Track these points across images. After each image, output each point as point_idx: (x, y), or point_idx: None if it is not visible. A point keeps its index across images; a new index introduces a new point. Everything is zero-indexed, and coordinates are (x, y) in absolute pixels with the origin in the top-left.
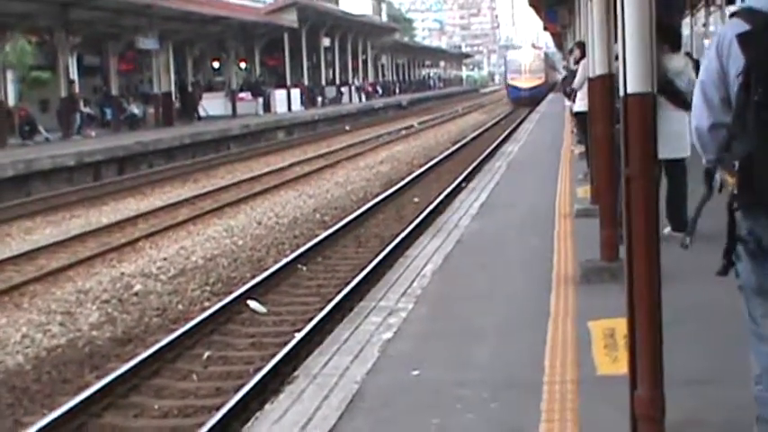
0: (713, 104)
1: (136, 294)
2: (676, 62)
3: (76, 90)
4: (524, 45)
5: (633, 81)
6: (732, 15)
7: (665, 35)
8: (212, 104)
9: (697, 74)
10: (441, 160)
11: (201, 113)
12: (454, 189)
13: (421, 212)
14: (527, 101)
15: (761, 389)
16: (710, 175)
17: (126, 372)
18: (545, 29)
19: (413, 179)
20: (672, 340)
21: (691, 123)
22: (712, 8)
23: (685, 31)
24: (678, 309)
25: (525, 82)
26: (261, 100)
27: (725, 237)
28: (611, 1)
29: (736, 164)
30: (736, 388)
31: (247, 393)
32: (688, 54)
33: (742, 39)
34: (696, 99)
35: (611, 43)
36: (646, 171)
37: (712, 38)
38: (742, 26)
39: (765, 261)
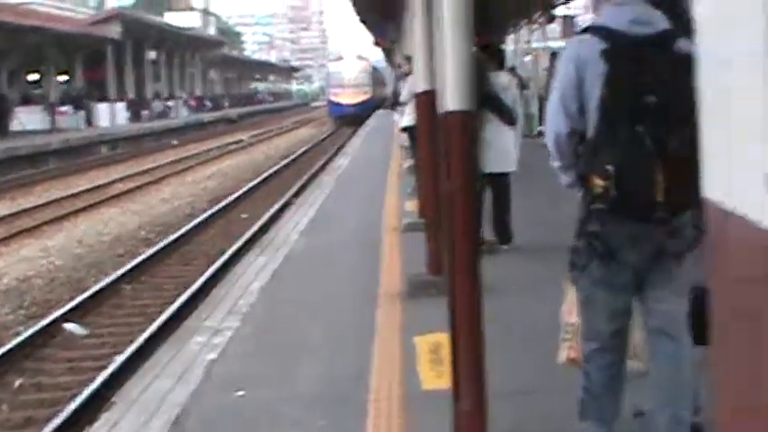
0: (571, 113)
1: None
2: (502, 79)
3: None
4: (348, 56)
5: (453, 99)
6: (584, 31)
7: (491, 54)
8: (30, 118)
9: (521, 90)
10: (270, 175)
11: (18, 128)
12: (284, 204)
13: (249, 228)
14: (351, 119)
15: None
16: (583, 180)
17: None
18: (375, 44)
19: (242, 194)
20: (494, 353)
21: (548, 130)
22: (534, 26)
23: (509, 47)
24: (500, 321)
25: (349, 97)
26: (83, 113)
27: (566, 244)
28: (433, 19)
29: (610, 169)
30: (557, 398)
31: (62, 423)
32: (512, 70)
33: (606, 55)
34: (554, 108)
35: (435, 60)
36: (466, 186)
37: (565, 52)
38: (600, 43)
39: (609, 262)
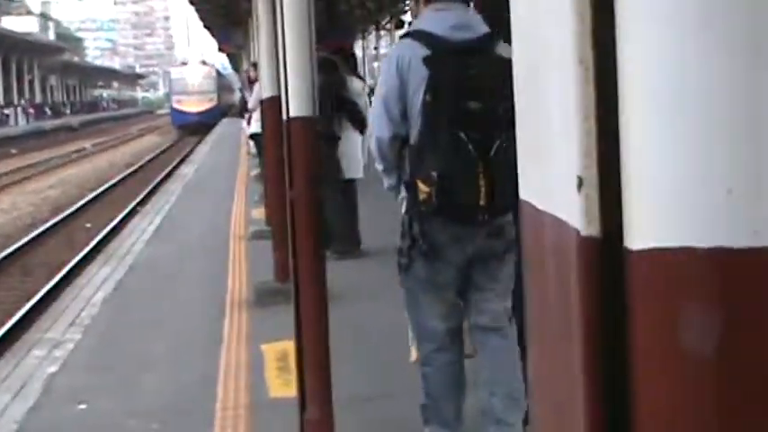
0: (394, 117)
1: None
2: (356, 84)
3: None
4: (191, 61)
5: (295, 105)
6: (405, 36)
7: (346, 59)
8: None
9: (370, 97)
10: (115, 184)
11: None
12: (129, 213)
13: (92, 238)
14: (196, 127)
15: (428, 370)
16: (411, 187)
17: None
18: (220, 49)
19: (85, 204)
20: (342, 360)
21: (371, 134)
22: (382, 32)
23: (358, 53)
24: (348, 327)
25: (193, 105)
26: None
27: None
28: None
29: (434, 174)
30: (406, 403)
31: None
32: (360, 77)
33: (429, 61)
34: (378, 112)
35: (280, 66)
36: (308, 192)
37: (388, 57)
38: (422, 49)
39: (434, 261)
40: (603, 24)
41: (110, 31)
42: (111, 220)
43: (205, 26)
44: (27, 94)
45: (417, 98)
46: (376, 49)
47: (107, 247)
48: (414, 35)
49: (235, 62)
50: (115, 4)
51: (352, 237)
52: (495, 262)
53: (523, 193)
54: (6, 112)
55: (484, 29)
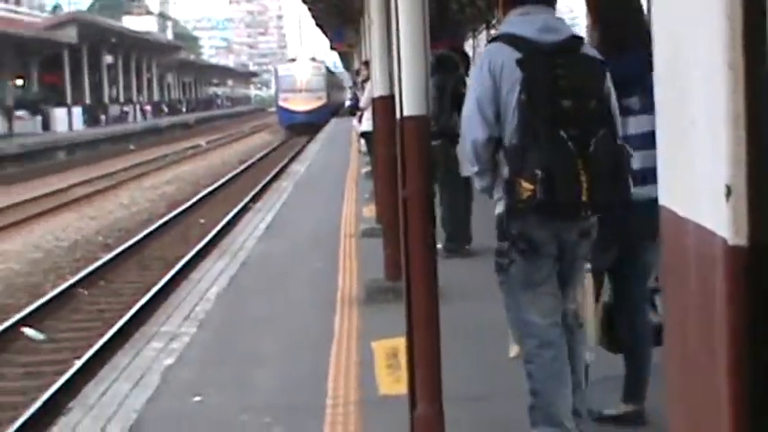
0: (488, 119)
1: None
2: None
3: None
4: (300, 57)
5: (408, 104)
6: (493, 40)
7: (462, 59)
8: None
9: None
10: (228, 180)
11: None
12: (241, 209)
13: (207, 234)
14: (304, 127)
15: (532, 367)
16: (512, 186)
17: None
18: (332, 48)
19: (199, 200)
20: (452, 357)
21: (465, 136)
22: (492, 31)
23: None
24: (453, 325)
25: (301, 103)
26: (40, 118)
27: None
28: (391, 24)
29: (539, 172)
30: (516, 403)
31: (19, 428)
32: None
33: (522, 63)
34: (471, 114)
35: (393, 65)
36: (422, 191)
37: (479, 60)
38: (513, 51)
39: (534, 258)
40: (756, 29)
41: (224, 29)
42: (225, 215)
43: (317, 24)
44: (146, 92)
45: (511, 99)
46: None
47: (221, 242)
48: (503, 38)
49: (347, 61)
50: (230, 3)
51: (463, 235)
52: (578, 263)
53: (663, 199)
54: (126, 109)
55: (569, 30)
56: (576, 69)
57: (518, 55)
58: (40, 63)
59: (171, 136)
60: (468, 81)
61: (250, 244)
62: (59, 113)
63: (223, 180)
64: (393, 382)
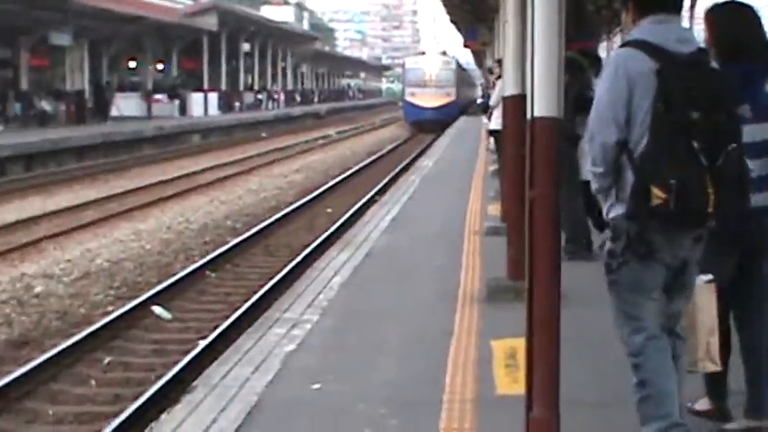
0: (620, 123)
1: (36, 296)
2: None
3: None
4: (430, 51)
5: (540, 105)
6: (626, 45)
7: (592, 62)
8: (127, 105)
9: None
10: (356, 171)
11: (116, 113)
12: (368, 201)
13: (333, 223)
14: (430, 124)
15: (641, 359)
16: (641, 192)
17: (20, 376)
18: (465, 46)
19: (327, 189)
20: (571, 361)
21: (594, 137)
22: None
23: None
24: (571, 329)
25: (429, 99)
26: (177, 102)
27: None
28: (526, 22)
29: (673, 182)
30: (628, 412)
31: (146, 402)
32: None
33: (659, 73)
34: (604, 116)
35: (525, 64)
36: (548, 194)
37: (613, 64)
38: (648, 59)
39: (649, 262)
40: None
41: (360, 22)
42: (352, 206)
43: (451, 21)
44: (280, 81)
45: (643, 106)
46: None
47: (346, 233)
48: (637, 45)
49: (479, 58)
50: None
51: (584, 238)
52: (689, 267)
53: None
54: (260, 96)
55: (697, 42)
56: (707, 82)
57: (654, 64)
58: (180, 49)
59: (302, 125)
60: (599, 83)
61: (375, 236)
62: (196, 98)
63: (351, 171)
64: (511, 383)
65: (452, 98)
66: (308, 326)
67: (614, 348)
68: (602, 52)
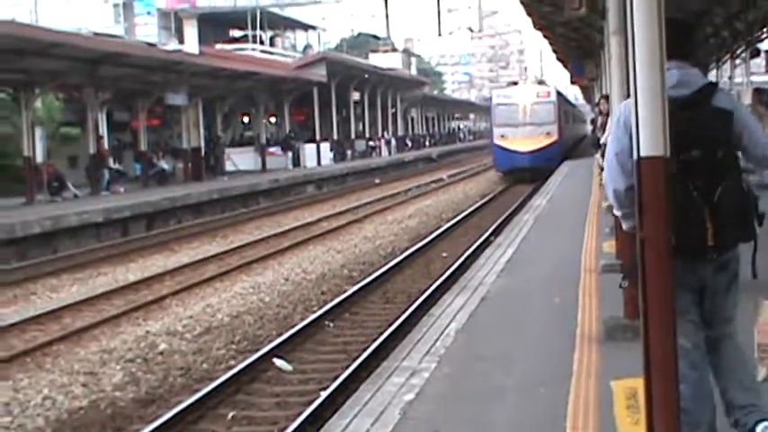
0: (627, 170)
1: (161, 353)
2: None
3: (105, 146)
4: (523, 81)
5: (646, 144)
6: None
7: None
8: (242, 159)
9: None
10: (469, 214)
11: (231, 168)
12: (482, 243)
13: (448, 268)
14: (527, 172)
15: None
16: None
17: None
18: (572, 82)
19: (441, 233)
20: None
21: (607, 185)
22: (737, 61)
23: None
24: None
25: (522, 142)
26: (290, 154)
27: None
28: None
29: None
30: None
31: None
32: None
33: None
34: (613, 166)
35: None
36: (659, 234)
37: (617, 116)
38: None
39: (676, 289)
40: None
41: (466, 65)
42: (466, 249)
43: (558, 59)
44: (390, 127)
45: None
46: (730, 78)
47: (461, 276)
48: None
49: (587, 95)
50: (472, 39)
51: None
52: (721, 293)
53: None
54: (372, 144)
55: (702, 81)
56: (704, 120)
57: None
58: (292, 101)
59: (414, 170)
60: (611, 134)
61: (490, 279)
62: (309, 149)
63: (465, 213)
64: (632, 424)
65: (553, 138)
66: (426, 374)
67: None
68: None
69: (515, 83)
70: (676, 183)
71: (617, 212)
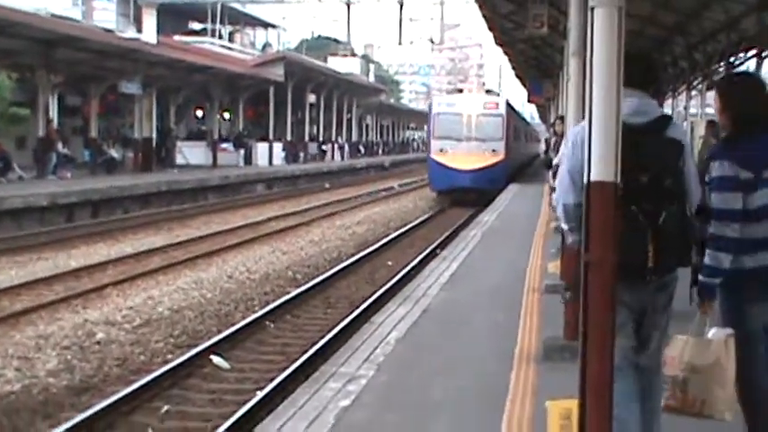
0: (578, 188)
1: (98, 343)
2: None
3: (55, 129)
4: (468, 89)
5: (597, 169)
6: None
7: None
8: (194, 153)
9: None
10: (418, 224)
11: (182, 161)
12: (428, 254)
13: (393, 277)
14: (467, 193)
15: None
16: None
17: (79, 423)
18: (529, 100)
19: (388, 242)
20: None
21: (558, 200)
22: (693, 92)
23: (667, 111)
24: None
25: (465, 159)
26: (242, 152)
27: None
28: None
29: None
30: None
31: None
32: None
33: None
34: (564, 182)
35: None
36: (605, 258)
37: (571, 136)
38: None
39: (617, 305)
40: None
41: (425, 75)
42: (412, 259)
43: (516, 75)
44: (344, 132)
45: None
46: (685, 108)
47: (405, 287)
48: None
49: (544, 114)
50: (432, 50)
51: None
52: (660, 311)
53: None
54: (324, 148)
55: (658, 113)
56: (656, 150)
57: None
58: (247, 98)
59: (365, 176)
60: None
61: (433, 291)
62: (261, 148)
63: (413, 224)
64: None
65: (499, 157)
66: (364, 381)
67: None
68: (667, 109)
69: (461, 90)
70: (624, 205)
71: (564, 226)
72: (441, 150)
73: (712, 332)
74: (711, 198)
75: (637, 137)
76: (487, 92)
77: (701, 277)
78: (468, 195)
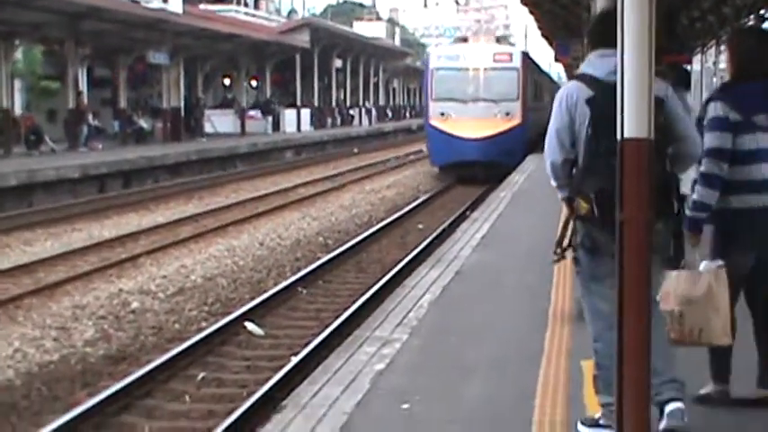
0: (565, 146)
1: (133, 312)
2: (690, 101)
3: (85, 102)
4: (474, 38)
5: (630, 126)
6: (575, 78)
7: (680, 77)
8: (222, 121)
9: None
10: (447, 187)
11: (210, 130)
12: (458, 217)
13: (423, 240)
14: (474, 167)
15: (599, 345)
16: (570, 201)
17: (117, 391)
18: (556, 60)
19: (418, 205)
20: None
21: (546, 158)
22: (722, 47)
23: (696, 67)
24: None
25: (471, 125)
26: (270, 119)
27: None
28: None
29: (592, 194)
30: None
31: (237, 419)
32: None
33: (590, 102)
34: (552, 141)
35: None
36: (640, 216)
37: (559, 95)
38: (586, 90)
39: (597, 256)
40: None
41: (451, 37)
42: (443, 222)
43: (543, 35)
44: (371, 96)
45: (582, 131)
46: (714, 64)
47: (436, 249)
48: (580, 78)
49: (571, 74)
50: (457, 12)
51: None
52: None
53: None
54: (352, 112)
55: None
56: None
57: (589, 93)
58: (274, 66)
59: (394, 140)
60: (553, 111)
61: (465, 253)
62: (289, 115)
63: (442, 186)
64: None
65: (515, 122)
66: (398, 345)
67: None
68: (696, 65)
69: (465, 39)
70: (603, 162)
71: (553, 183)
72: (441, 115)
73: (703, 265)
74: (705, 138)
75: (616, 95)
76: (498, 40)
77: (688, 212)
78: (476, 171)
